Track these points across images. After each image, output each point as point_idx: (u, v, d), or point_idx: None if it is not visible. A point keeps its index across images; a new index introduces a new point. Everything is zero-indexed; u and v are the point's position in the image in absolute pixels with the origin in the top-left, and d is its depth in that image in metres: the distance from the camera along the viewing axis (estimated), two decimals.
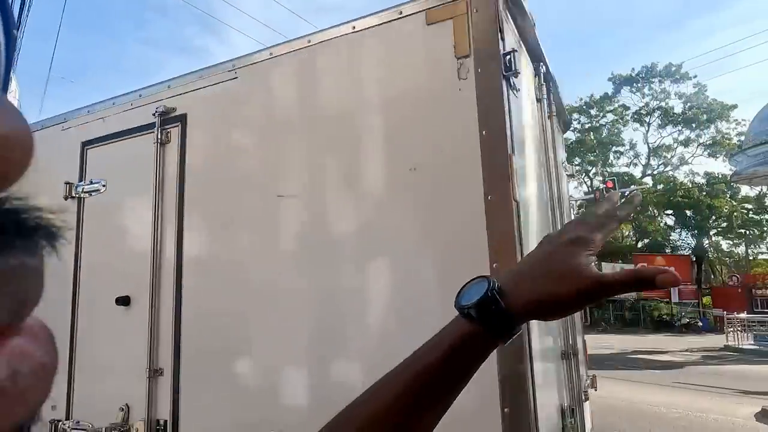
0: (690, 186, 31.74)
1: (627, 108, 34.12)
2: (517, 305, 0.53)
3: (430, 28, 1.96)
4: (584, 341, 3.51)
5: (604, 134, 33.93)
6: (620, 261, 29.33)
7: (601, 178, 31.91)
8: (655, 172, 34.28)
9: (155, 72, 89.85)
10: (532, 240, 1.98)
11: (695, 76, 31.98)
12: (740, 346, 16.20)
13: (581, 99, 34.79)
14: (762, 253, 33.19)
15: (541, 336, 2.12)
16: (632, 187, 30.14)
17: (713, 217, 30.45)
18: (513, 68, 1.86)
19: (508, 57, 1.87)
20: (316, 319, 2.07)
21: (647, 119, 33.85)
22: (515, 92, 1.99)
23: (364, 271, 2.00)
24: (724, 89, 64.86)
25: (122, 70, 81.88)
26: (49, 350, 0.21)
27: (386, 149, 2.03)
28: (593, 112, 34.54)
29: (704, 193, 30.56)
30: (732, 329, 17.17)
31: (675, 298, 26.98)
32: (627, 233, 33.89)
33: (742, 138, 25.81)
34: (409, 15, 2.02)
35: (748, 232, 31.33)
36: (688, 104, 32.66)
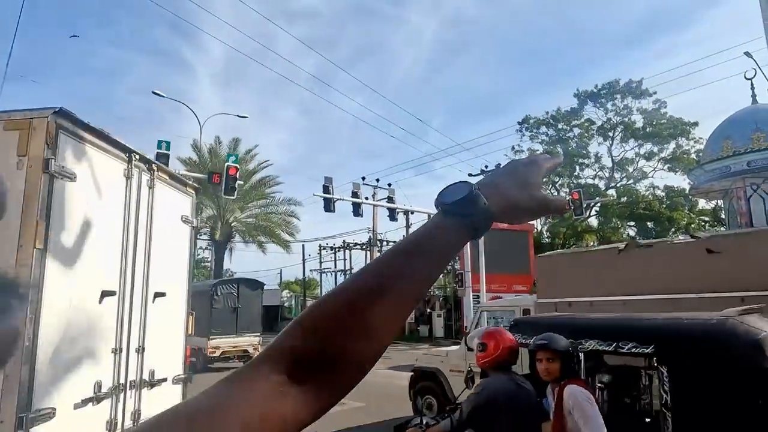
0: (651, 199, 32.88)
1: (593, 122, 35.11)
2: (492, 206, 0.60)
3: (6, 133, 3.01)
4: (186, 348, 4.78)
5: (572, 146, 34.80)
6: None
7: (567, 190, 32.72)
8: (618, 185, 35.36)
9: (123, 74, 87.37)
10: (56, 274, 3.11)
11: (655, 93, 33.18)
12: None
13: (548, 113, 35.69)
14: None
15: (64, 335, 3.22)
16: (597, 198, 31.02)
17: (673, 229, 31.59)
18: (50, 168, 2.96)
19: (49, 160, 2.94)
20: None
21: (611, 134, 34.93)
22: (68, 178, 3.12)
23: None
24: (686, 105, 67.69)
25: (89, 70, 79.35)
26: None
27: None
28: (560, 125, 35.44)
29: (664, 206, 31.67)
30: None
31: None
32: (592, 243, 34.82)
33: (701, 154, 26.93)
34: None
35: None
36: (649, 120, 33.84)
